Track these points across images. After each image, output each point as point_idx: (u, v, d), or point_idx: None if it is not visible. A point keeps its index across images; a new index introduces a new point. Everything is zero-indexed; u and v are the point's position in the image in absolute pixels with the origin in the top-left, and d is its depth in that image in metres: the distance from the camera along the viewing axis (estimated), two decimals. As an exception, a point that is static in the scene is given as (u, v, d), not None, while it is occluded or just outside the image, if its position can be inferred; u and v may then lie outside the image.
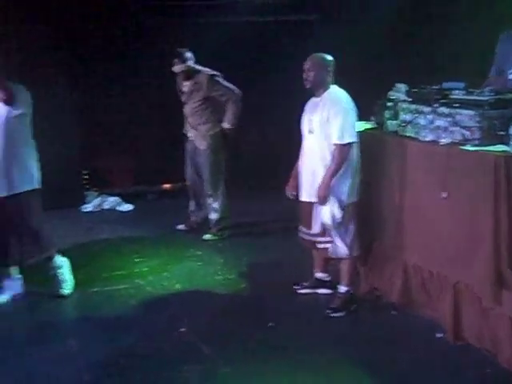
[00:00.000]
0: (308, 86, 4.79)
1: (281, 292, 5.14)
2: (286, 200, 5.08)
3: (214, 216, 6.66)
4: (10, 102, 4.77)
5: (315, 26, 8.18)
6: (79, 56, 7.85)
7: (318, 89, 4.78)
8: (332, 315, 4.77)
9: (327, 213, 4.71)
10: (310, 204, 4.80)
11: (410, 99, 4.93)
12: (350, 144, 4.67)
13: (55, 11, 7.36)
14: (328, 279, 5.15)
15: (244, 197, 7.31)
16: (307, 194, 4.83)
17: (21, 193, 4.90)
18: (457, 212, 4.26)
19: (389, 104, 5.07)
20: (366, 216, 4.98)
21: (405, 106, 4.91)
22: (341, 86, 4.85)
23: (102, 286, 5.36)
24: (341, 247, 4.79)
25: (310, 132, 4.79)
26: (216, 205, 6.64)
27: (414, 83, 5.01)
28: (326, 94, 4.76)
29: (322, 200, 4.66)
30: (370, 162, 4.97)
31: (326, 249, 4.85)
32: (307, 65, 4.78)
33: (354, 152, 4.76)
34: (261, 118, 7.95)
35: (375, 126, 5.27)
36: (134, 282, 5.49)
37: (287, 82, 6.40)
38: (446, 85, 4.79)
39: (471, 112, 4.34)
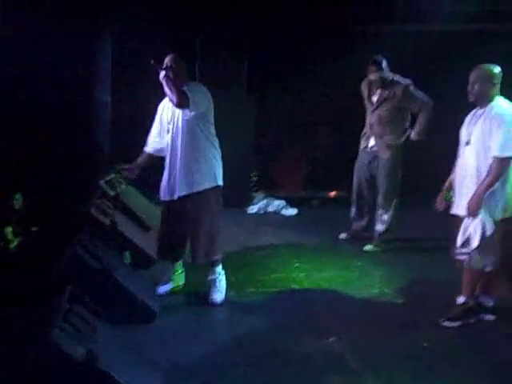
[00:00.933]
0: (471, 99, 4.66)
1: (438, 311, 4.91)
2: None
3: (380, 227, 6.56)
4: (182, 105, 4.88)
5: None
6: (258, 60, 8.03)
7: (481, 101, 4.63)
8: (444, 324, 4.69)
9: (477, 226, 4.56)
10: (460, 218, 4.68)
11: None
12: (509, 158, 4.50)
13: (239, 15, 7.56)
14: (491, 304, 4.88)
15: (415, 209, 7.07)
16: (459, 207, 4.69)
17: (201, 191, 5.01)
18: None
19: None
20: None
21: None
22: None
23: (259, 287, 5.42)
24: (477, 259, 4.64)
25: (467, 144, 4.65)
26: (386, 217, 6.54)
27: None
28: (489, 105, 4.60)
29: (472, 212, 4.55)
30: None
31: (463, 260, 4.71)
32: (472, 77, 4.65)
33: None
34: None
35: None
36: (289, 286, 5.51)
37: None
38: None
39: None
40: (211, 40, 7.57)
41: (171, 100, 4.92)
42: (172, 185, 5.05)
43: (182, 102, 4.87)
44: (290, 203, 8.11)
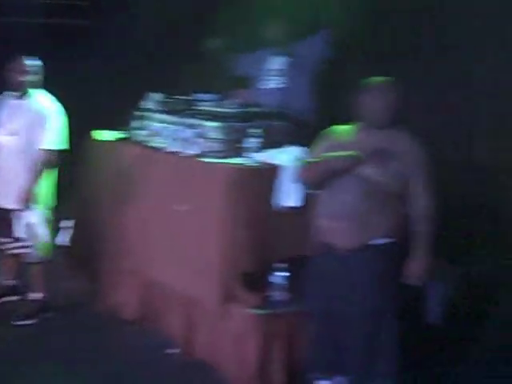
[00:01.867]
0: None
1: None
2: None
3: None
4: None
5: (90, 30, 7.85)
6: None
7: (19, 90, 4.61)
8: (19, 323, 4.60)
9: (28, 217, 4.59)
10: (7, 210, 4.63)
11: (160, 109, 4.84)
12: (55, 151, 4.61)
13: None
14: (17, 285, 4.94)
15: None
16: (5, 200, 4.62)
17: None
18: (193, 225, 4.17)
19: (140, 114, 4.95)
20: (106, 228, 4.87)
21: (154, 115, 4.83)
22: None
23: None
24: (35, 252, 4.67)
25: (12, 134, 4.59)
26: None
27: (173, 93, 4.91)
28: (30, 97, 4.63)
29: (25, 204, 4.53)
30: (117, 172, 4.83)
31: (21, 254, 4.72)
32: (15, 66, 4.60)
33: (61, 159, 4.69)
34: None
35: (126, 135, 5.11)
36: None
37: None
38: (196, 96, 4.76)
39: (215, 124, 4.32)
40: None
41: None
42: None
43: None
44: None
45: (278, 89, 5.12)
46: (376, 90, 3.47)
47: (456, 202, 4.59)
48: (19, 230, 4.60)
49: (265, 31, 5.20)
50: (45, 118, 4.53)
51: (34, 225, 4.59)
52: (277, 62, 5.18)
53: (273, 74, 5.18)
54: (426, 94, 5.39)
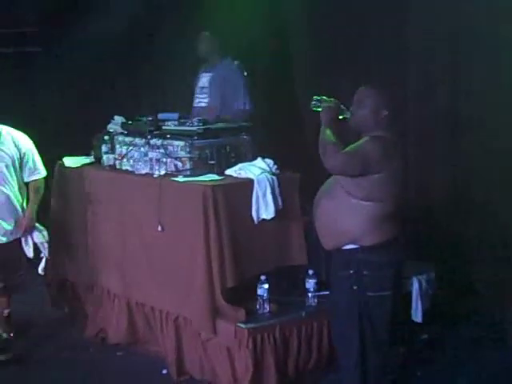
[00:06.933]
0: None
1: None
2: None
3: None
4: None
5: (38, 58, 7.78)
6: None
7: None
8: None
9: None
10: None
11: (126, 131, 4.86)
12: (42, 178, 4.81)
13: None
14: None
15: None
16: None
17: None
18: (173, 245, 4.23)
19: (106, 137, 4.96)
20: (85, 254, 4.90)
21: (121, 138, 4.84)
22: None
23: None
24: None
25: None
26: None
27: (136, 115, 4.95)
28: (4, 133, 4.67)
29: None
30: (89, 197, 4.87)
31: None
32: None
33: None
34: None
35: (93, 160, 5.12)
36: None
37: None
38: (160, 116, 4.80)
39: (181, 143, 4.38)
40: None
41: None
42: None
43: None
44: None
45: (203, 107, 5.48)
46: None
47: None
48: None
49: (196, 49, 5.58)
50: (24, 153, 4.68)
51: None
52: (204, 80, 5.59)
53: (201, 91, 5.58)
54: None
